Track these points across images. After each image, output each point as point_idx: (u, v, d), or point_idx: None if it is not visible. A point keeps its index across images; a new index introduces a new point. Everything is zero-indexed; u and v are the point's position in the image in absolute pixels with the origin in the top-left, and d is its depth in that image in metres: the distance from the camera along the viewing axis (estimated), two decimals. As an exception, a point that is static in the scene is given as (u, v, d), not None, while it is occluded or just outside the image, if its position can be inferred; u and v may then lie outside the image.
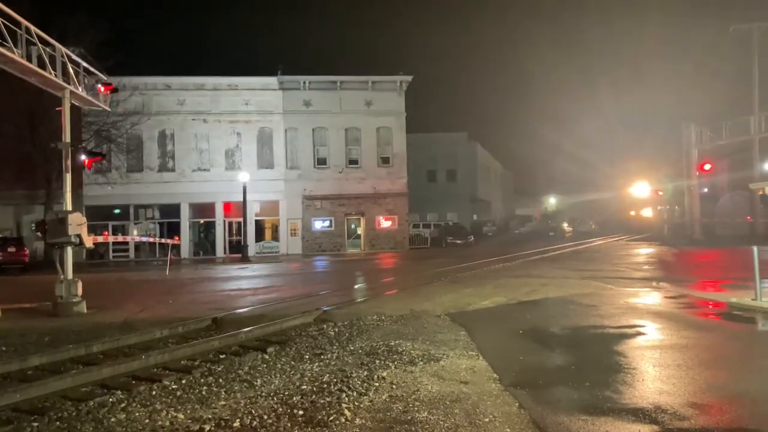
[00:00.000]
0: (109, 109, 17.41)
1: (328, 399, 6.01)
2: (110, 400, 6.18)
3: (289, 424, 5.30)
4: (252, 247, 36.02)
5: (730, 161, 44.27)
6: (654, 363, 7.28)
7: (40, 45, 12.63)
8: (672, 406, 5.60)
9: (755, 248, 11.62)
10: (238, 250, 35.16)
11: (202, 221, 38.77)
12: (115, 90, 15.79)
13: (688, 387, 6.20)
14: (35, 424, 5.49)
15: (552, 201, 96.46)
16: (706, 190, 45.36)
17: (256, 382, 6.78)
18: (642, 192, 48.37)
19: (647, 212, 57.46)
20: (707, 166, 36.47)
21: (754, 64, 38.34)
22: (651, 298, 13.26)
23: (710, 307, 11.85)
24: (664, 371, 6.87)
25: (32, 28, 12.28)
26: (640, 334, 9.15)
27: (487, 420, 5.35)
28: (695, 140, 38.83)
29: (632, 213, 63.18)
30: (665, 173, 44.83)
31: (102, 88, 15.35)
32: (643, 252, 30.31)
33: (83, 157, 15.22)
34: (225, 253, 37.23)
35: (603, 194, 68.04)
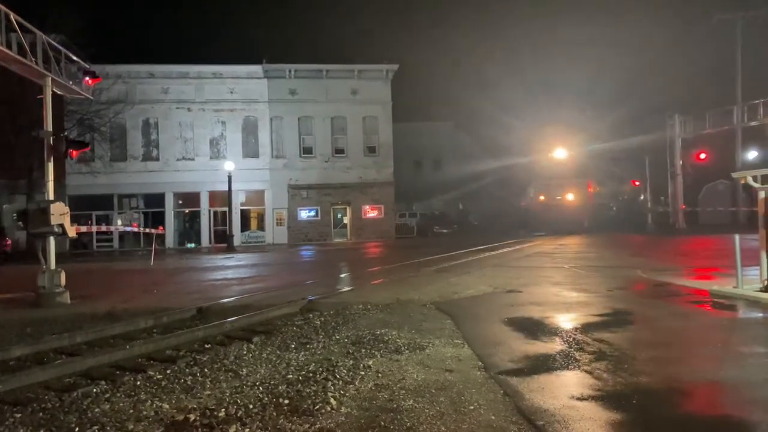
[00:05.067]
0: (91, 98, 17.20)
1: (313, 388, 6.00)
2: (94, 390, 6.13)
3: (274, 413, 5.29)
4: (237, 237, 35.88)
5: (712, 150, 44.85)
6: (636, 350, 7.35)
7: (20, 32, 12.40)
8: (655, 393, 5.67)
9: (737, 236, 11.76)
10: (223, 239, 34.99)
11: (186, 211, 38.56)
12: (94, 74, 15.50)
13: (671, 374, 6.28)
14: (18, 415, 5.43)
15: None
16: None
17: (242, 371, 6.76)
18: (561, 155, 47.00)
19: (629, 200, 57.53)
20: (702, 155, 36.76)
21: (737, 53, 38.76)
22: (634, 285, 13.40)
23: (692, 294, 11.97)
24: (646, 358, 6.95)
25: (11, 14, 12.04)
26: (622, 321, 9.23)
27: (472, 408, 5.38)
28: (679, 130, 39.19)
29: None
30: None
31: (89, 81, 15.10)
32: (626, 241, 30.58)
33: (69, 148, 14.98)
34: (210, 242, 37.11)
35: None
